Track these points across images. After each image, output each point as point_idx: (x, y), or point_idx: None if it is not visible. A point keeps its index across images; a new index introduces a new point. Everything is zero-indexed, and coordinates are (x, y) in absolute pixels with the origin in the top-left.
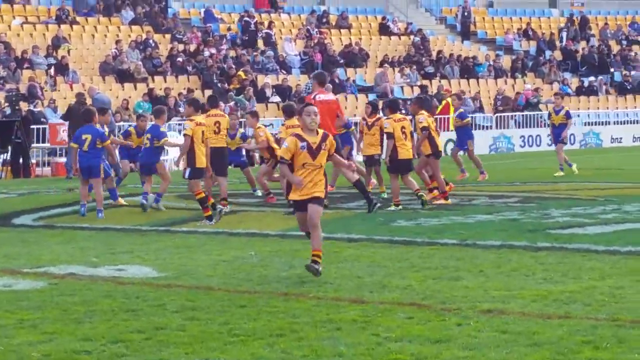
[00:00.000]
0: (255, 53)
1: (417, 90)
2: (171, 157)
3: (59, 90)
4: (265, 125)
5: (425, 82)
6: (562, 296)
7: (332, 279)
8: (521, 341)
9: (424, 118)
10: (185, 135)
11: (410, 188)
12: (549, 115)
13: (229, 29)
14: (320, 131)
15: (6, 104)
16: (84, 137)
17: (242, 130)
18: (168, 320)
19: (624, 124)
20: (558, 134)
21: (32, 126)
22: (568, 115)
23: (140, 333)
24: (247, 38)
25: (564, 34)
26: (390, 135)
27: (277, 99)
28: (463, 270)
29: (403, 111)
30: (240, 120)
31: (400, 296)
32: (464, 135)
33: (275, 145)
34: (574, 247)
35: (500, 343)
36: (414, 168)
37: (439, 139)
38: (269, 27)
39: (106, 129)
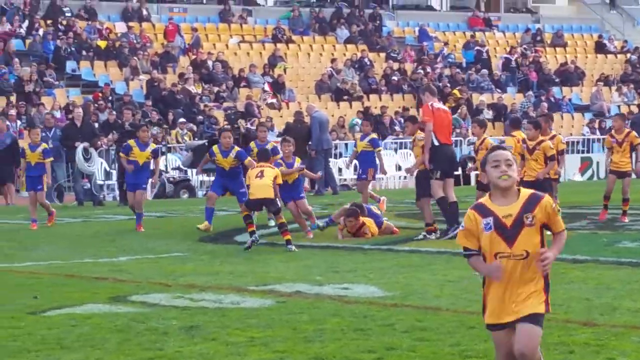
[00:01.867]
0: (470, 72)
1: (634, 110)
2: None
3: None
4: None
5: None
6: None
7: (561, 301)
8: None
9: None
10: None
11: None
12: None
13: (445, 44)
14: (526, 193)
15: (225, 122)
16: None
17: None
18: (398, 341)
19: None
20: None
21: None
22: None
23: (372, 353)
24: (480, 66)
25: None
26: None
27: (490, 115)
28: None
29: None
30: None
31: (633, 319)
32: None
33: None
34: None
35: None
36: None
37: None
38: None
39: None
